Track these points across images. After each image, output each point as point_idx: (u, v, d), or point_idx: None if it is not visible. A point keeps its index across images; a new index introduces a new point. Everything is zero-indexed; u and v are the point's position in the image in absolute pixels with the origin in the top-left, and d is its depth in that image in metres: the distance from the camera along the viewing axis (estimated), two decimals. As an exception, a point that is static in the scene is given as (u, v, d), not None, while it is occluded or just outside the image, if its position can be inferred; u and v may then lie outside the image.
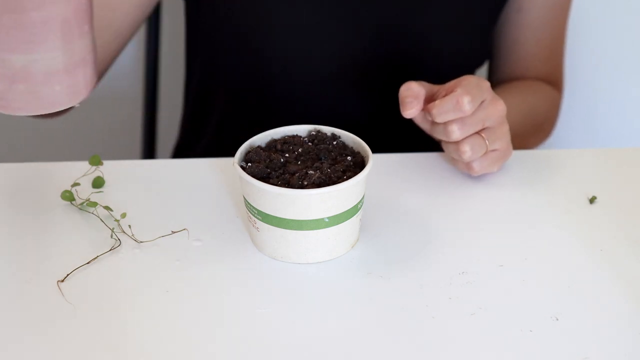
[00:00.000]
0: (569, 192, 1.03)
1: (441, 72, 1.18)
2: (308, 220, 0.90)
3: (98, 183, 1.02)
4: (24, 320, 0.86)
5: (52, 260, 0.92)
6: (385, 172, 1.06)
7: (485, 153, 1.01)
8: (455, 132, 0.99)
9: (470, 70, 1.28)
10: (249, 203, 0.92)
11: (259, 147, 0.96)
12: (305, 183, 0.90)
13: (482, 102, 1.00)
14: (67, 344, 0.84)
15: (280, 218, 0.90)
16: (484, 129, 1.01)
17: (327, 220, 0.91)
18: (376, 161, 1.01)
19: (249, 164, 0.93)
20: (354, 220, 0.93)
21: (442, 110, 0.98)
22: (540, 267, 0.93)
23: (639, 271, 0.92)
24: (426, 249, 0.95)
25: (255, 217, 0.92)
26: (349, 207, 0.91)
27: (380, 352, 0.83)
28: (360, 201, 0.93)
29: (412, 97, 1.00)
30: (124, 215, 0.97)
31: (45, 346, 0.83)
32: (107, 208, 0.98)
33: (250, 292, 0.89)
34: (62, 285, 0.89)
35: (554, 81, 1.32)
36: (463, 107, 0.97)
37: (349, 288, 0.90)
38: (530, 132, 1.27)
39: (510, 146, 1.04)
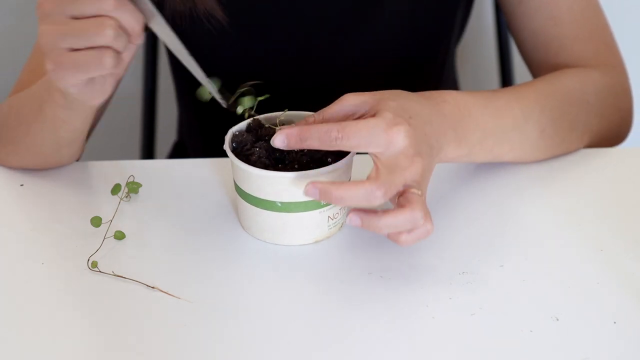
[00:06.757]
0: (569, 192, 1.03)
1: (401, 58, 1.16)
2: (261, 199, 0.92)
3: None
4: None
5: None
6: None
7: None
8: (379, 199, 0.86)
9: (435, 54, 1.24)
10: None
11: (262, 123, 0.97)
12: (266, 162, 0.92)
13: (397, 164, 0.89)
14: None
15: (242, 190, 0.93)
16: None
17: (279, 204, 0.92)
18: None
19: (245, 135, 0.95)
20: (316, 215, 0.93)
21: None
22: (540, 267, 0.93)
23: (639, 271, 0.92)
24: (426, 248, 0.94)
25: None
26: (306, 199, 0.91)
27: (380, 352, 0.83)
28: None
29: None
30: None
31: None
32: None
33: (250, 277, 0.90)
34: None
35: (588, 62, 1.15)
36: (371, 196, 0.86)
37: (349, 288, 0.90)
38: (577, 120, 1.08)
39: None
